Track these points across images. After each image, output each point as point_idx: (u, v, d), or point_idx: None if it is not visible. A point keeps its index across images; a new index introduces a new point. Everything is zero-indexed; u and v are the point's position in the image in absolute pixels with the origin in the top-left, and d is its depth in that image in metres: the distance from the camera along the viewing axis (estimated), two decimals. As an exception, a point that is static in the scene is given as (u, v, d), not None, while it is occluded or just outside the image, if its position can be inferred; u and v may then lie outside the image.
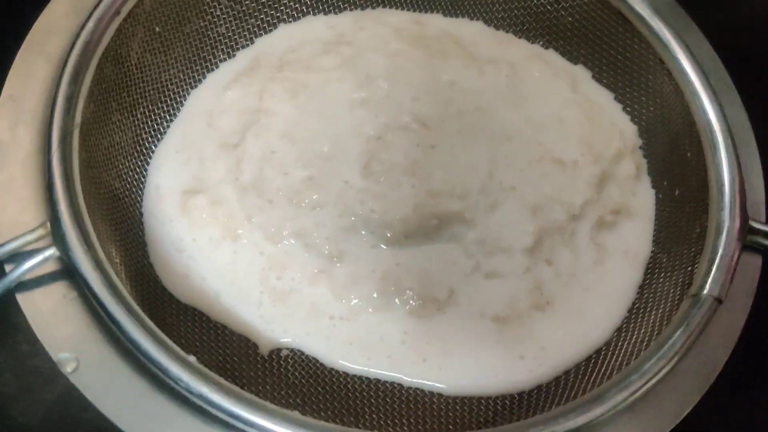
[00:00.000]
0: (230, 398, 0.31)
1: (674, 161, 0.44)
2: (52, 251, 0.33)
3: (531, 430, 0.32)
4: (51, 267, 0.34)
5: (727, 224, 0.37)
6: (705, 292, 0.36)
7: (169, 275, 0.41)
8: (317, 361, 0.39)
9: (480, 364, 0.40)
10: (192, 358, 0.32)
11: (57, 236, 0.33)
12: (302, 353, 0.40)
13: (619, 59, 0.48)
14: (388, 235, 0.42)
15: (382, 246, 0.42)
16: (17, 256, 0.33)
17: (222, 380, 0.31)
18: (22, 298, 0.34)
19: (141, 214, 0.42)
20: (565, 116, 0.47)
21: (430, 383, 0.39)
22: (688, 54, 0.43)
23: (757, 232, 0.38)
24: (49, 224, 0.34)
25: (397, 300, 0.41)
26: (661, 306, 0.39)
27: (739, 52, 0.48)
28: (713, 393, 0.35)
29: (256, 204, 0.42)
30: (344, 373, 0.39)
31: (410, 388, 0.39)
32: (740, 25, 0.56)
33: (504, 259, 0.42)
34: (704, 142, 0.41)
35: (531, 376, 0.40)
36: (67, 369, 0.32)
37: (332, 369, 0.39)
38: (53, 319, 0.33)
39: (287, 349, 0.40)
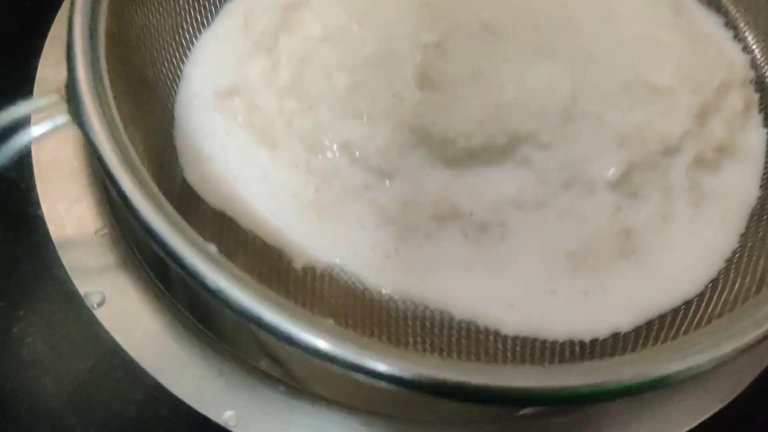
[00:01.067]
0: (253, 295, 0.25)
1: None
2: (64, 116, 0.28)
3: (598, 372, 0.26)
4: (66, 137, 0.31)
5: None
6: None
7: (197, 174, 0.36)
8: (358, 281, 0.34)
9: (547, 303, 0.34)
10: (212, 248, 0.27)
11: (71, 99, 0.29)
12: (342, 271, 0.34)
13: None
14: (449, 153, 0.36)
15: (441, 166, 0.36)
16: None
17: (245, 275, 0.26)
18: (54, 232, 0.34)
19: (172, 110, 0.38)
20: (662, 38, 0.40)
21: (486, 317, 0.33)
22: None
23: None
24: (64, 89, 0.29)
25: (454, 226, 0.35)
26: (764, 256, 0.33)
27: None
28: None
29: (295, 109, 0.37)
30: (388, 296, 0.34)
31: (462, 320, 0.33)
32: None
33: (583, 193, 0.36)
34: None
35: (607, 322, 0.33)
36: (93, 303, 0.33)
37: (374, 291, 0.34)
38: (83, 254, 0.33)
39: (325, 266, 0.34)
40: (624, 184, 0.36)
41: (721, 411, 0.32)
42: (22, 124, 0.29)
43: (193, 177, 0.36)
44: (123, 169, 0.27)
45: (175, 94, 0.38)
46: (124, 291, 0.33)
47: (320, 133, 0.36)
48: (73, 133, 0.34)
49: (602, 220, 0.36)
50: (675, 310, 0.34)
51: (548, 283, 0.34)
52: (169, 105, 0.38)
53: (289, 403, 0.31)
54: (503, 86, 0.37)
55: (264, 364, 0.41)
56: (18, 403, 0.38)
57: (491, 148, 0.36)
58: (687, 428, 0.32)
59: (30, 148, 0.31)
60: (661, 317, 0.34)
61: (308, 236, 0.35)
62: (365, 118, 0.36)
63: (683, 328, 0.33)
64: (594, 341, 0.33)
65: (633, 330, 0.33)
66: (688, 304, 0.34)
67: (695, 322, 0.33)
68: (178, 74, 0.39)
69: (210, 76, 0.39)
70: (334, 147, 0.36)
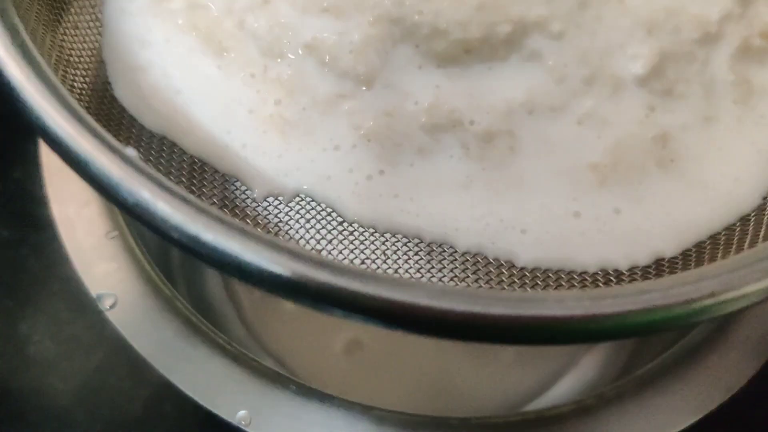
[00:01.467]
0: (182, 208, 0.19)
1: None
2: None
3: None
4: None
5: None
6: None
7: (129, 91, 0.29)
8: (332, 212, 0.27)
9: (570, 226, 0.27)
10: (131, 151, 0.20)
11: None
12: (311, 201, 0.28)
13: None
14: (441, 48, 0.29)
15: (432, 65, 0.29)
16: None
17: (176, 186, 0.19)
18: (65, 235, 0.34)
19: (97, 14, 0.31)
20: None
21: (495, 247, 0.27)
22: None
23: None
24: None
25: (451, 138, 0.28)
26: None
27: None
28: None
29: (247, 5, 0.30)
30: (371, 228, 0.27)
31: (467, 252, 0.27)
32: None
33: (608, 92, 0.29)
34: None
35: (646, 245, 0.27)
36: (106, 305, 0.32)
37: (354, 223, 0.27)
38: (94, 256, 0.33)
39: (291, 194, 0.28)
40: (656, 79, 0.29)
41: (722, 405, 0.30)
42: None
43: (124, 94, 0.29)
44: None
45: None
46: (135, 293, 0.33)
47: (279, 32, 0.29)
48: None
49: (632, 124, 0.29)
50: (729, 229, 0.27)
51: (570, 203, 0.28)
52: (94, 9, 0.30)
53: (300, 401, 0.30)
54: (503, -32, 0.30)
55: (270, 362, 0.41)
56: (25, 400, 0.39)
57: (492, 39, 0.29)
58: (687, 423, 0.30)
59: None
60: (713, 237, 0.27)
61: (268, 159, 0.28)
62: (334, 11, 0.29)
63: (742, 249, 0.26)
64: (633, 270, 0.26)
65: (680, 254, 0.27)
66: (744, 220, 0.28)
67: (754, 241, 0.26)
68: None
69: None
70: (298, 49, 0.29)
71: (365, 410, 0.30)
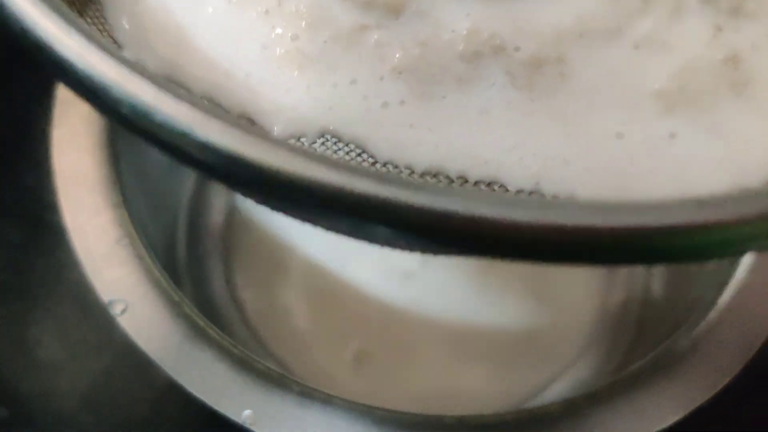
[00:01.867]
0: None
1: None
2: None
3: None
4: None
5: None
6: None
7: (129, 28, 0.26)
8: (363, 152, 0.24)
9: (639, 158, 0.24)
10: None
11: None
12: (340, 142, 0.24)
13: None
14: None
15: (468, -12, 0.26)
16: None
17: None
18: (76, 242, 0.34)
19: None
20: None
21: (554, 184, 0.23)
22: None
23: None
24: None
25: (494, 65, 0.25)
26: None
27: None
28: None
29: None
30: (407, 167, 0.24)
31: (520, 190, 0.23)
32: None
33: (668, 12, 0.26)
34: None
35: (727, 175, 0.23)
36: (117, 311, 0.33)
37: (387, 163, 0.24)
38: (105, 263, 0.34)
39: (315, 135, 0.24)
40: (724, -4, 0.26)
41: (707, 402, 0.32)
42: None
43: (123, 32, 0.26)
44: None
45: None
46: (145, 299, 0.34)
47: (294, -39, 0.26)
48: (93, 148, 0.37)
49: (698, 46, 0.25)
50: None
51: (636, 132, 0.24)
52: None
53: (303, 401, 0.31)
54: None
55: (273, 363, 0.42)
56: (33, 402, 0.39)
57: (534, -43, 0.25)
58: (672, 421, 0.31)
59: None
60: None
61: (287, 97, 0.25)
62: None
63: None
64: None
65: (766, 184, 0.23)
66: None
67: None
68: None
69: None
70: (316, -23, 0.26)
71: (366, 410, 0.31)
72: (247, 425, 0.31)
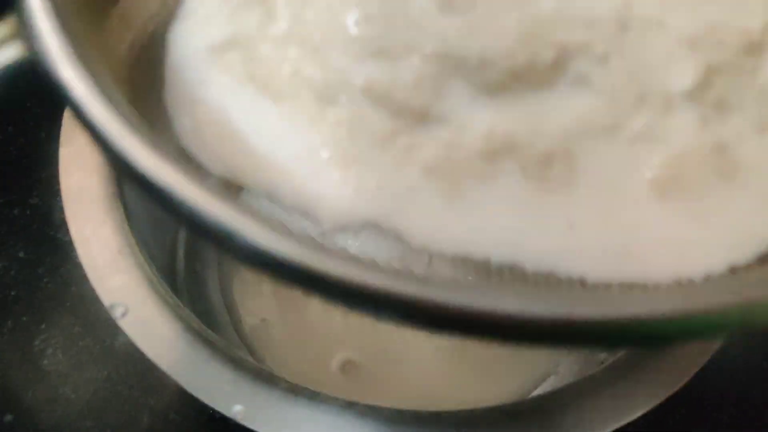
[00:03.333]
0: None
1: None
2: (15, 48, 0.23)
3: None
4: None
5: None
6: None
7: (195, 140, 0.30)
8: (399, 238, 0.28)
9: (638, 240, 0.27)
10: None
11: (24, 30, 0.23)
12: (380, 232, 0.28)
13: None
14: (491, 78, 0.30)
15: (484, 96, 0.30)
16: None
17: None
18: (81, 252, 0.37)
19: (162, 71, 0.32)
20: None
21: (566, 266, 0.27)
22: None
23: None
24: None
25: (511, 162, 0.29)
26: None
27: None
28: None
29: (299, 55, 0.31)
30: (438, 253, 0.27)
31: (536, 273, 0.27)
32: None
33: (659, 109, 0.30)
34: None
35: (718, 254, 0.27)
36: (117, 314, 0.36)
37: (420, 248, 0.27)
38: (107, 271, 0.37)
39: (358, 225, 0.28)
40: (705, 92, 0.30)
41: (669, 398, 0.34)
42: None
43: (190, 143, 0.30)
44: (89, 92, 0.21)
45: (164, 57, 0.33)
46: (144, 303, 0.36)
47: (332, 78, 0.31)
48: (97, 166, 0.39)
49: (688, 137, 0.29)
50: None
51: (633, 217, 0.28)
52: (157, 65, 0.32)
53: (289, 397, 0.33)
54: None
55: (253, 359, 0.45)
56: (39, 409, 0.42)
57: (538, 64, 0.30)
58: (635, 415, 0.34)
59: None
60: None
61: (333, 197, 0.29)
62: (383, 55, 0.31)
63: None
64: (708, 278, 0.26)
65: (756, 260, 0.27)
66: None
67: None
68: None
69: (203, 31, 0.33)
70: (353, 92, 0.30)
71: (348, 405, 0.33)
72: (238, 420, 0.33)
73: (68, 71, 0.21)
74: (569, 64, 0.30)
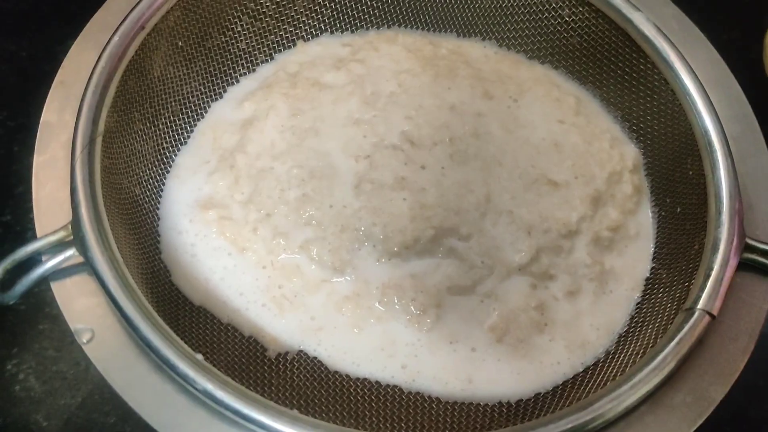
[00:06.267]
0: (233, 395, 0.32)
1: (677, 180, 0.45)
2: (72, 252, 0.35)
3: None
4: (76, 261, 0.36)
5: (724, 240, 0.38)
6: (698, 306, 0.36)
7: (181, 278, 0.43)
8: (321, 364, 0.41)
9: (480, 373, 0.41)
10: (199, 356, 0.34)
11: (77, 238, 0.35)
12: (307, 356, 0.41)
13: (626, 79, 0.49)
14: (391, 247, 0.43)
15: (385, 259, 0.43)
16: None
17: (226, 377, 0.33)
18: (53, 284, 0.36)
19: (158, 218, 0.45)
20: (561, 140, 0.47)
21: (428, 389, 0.40)
22: (690, 73, 0.44)
23: (755, 249, 0.39)
24: (71, 227, 0.36)
25: (398, 309, 0.42)
26: (658, 320, 0.40)
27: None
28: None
29: (257, 218, 0.44)
30: (346, 376, 0.40)
31: (410, 392, 0.40)
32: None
33: (502, 276, 0.43)
34: (705, 160, 0.42)
35: (529, 385, 0.40)
36: (83, 339, 0.34)
37: (335, 372, 0.41)
38: (76, 293, 0.36)
39: (294, 352, 0.41)
40: (534, 265, 0.43)
41: None
42: (32, 259, 0.35)
43: (178, 280, 0.43)
44: (127, 301, 0.34)
45: (159, 208, 0.45)
46: (111, 328, 0.35)
47: (279, 238, 0.43)
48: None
49: (519, 298, 0.43)
50: (584, 371, 0.41)
51: (478, 355, 0.41)
52: (155, 218, 0.44)
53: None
54: (425, 190, 0.44)
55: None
56: None
57: (422, 240, 0.43)
58: None
59: (42, 280, 0.35)
60: (573, 378, 0.41)
61: (278, 327, 0.42)
62: (315, 223, 0.43)
63: (589, 386, 0.40)
64: (519, 402, 0.40)
65: (550, 391, 0.40)
66: (595, 364, 0.41)
67: (598, 382, 0.39)
68: (161, 188, 0.46)
69: (187, 188, 0.45)
70: (293, 249, 0.43)
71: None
72: None
73: (126, 304, 0.33)
74: (443, 240, 0.43)
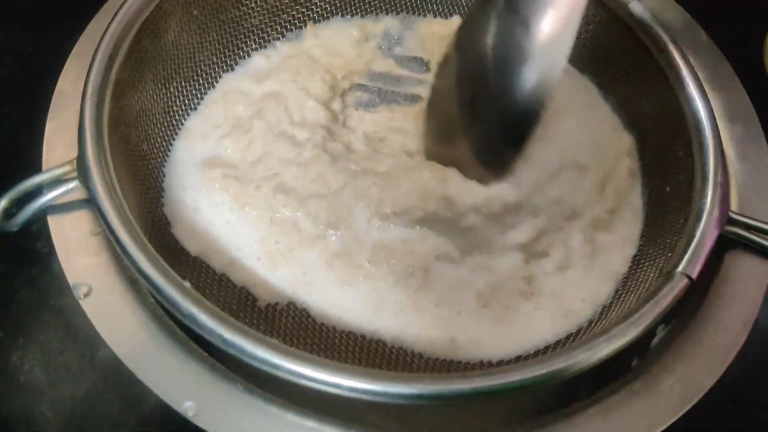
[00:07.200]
0: (216, 320, 0.33)
1: (668, 161, 0.46)
2: (75, 183, 0.37)
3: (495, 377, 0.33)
4: (78, 197, 0.38)
5: (707, 210, 0.39)
6: (677, 270, 0.37)
7: (181, 229, 0.44)
8: (309, 316, 0.42)
9: (463, 335, 0.41)
10: (186, 284, 0.35)
11: (81, 170, 0.37)
12: (296, 308, 0.42)
13: (621, 66, 0.50)
14: (384, 210, 0.44)
15: (378, 220, 0.44)
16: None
17: (211, 305, 0.34)
18: (53, 226, 0.38)
19: (164, 176, 0.46)
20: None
21: (411, 345, 0.41)
22: (683, 60, 0.45)
23: (737, 223, 0.39)
24: (75, 162, 0.38)
25: (387, 270, 0.43)
26: (640, 290, 0.41)
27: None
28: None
29: (263, 176, 0.46)
30: (332, 328, 0.41)
31: (393, 347, 0.41)
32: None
33: (497, 253, 0.44)
34: (693, 141, 0.43)
35: (512, 349, 0.41)
36: (80, 294, 0.36)
37: (322, 324, 0.42)
38: (76, 250, 0.38)
39: (283, 304, 0.42)
40: (533, 245, 0.44)
41: (679, 419, 0.35)
42: (36, 191, 0.37)
43: (177, 231, 0.44)
44: (122, 227, 0.35)
45: (165, 165, 0.47)
46: (110, 286, 0.36)
47: (280, 194, 0.45)
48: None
49: (510, 269, 0.44)
50: (567, 337, 0.42)
51: (466, 317, 0.42)
52: (161, 176, 0.46)
53: (244, 397, 0.35)
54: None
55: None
56: (14, 428, 0.40)
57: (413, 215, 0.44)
58: None
59: (44, 210, 0.38)
60: (555, 344, 0.41)
61: (270, 279, 0.43)
62: (319, 180, 0.45)
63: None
64: (500, 362, 0.41)
65: (532, 354, 0.41)
66: (578, 331, 0.42)
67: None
68: (168, 148, 0.47)
69: (195, 150, 0.47)
70: (293, 205, 0.45)
71: (305, 413, 0.35)
72: (188, 417, 0.33)
73: (122, 234, 0.35)
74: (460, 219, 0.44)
